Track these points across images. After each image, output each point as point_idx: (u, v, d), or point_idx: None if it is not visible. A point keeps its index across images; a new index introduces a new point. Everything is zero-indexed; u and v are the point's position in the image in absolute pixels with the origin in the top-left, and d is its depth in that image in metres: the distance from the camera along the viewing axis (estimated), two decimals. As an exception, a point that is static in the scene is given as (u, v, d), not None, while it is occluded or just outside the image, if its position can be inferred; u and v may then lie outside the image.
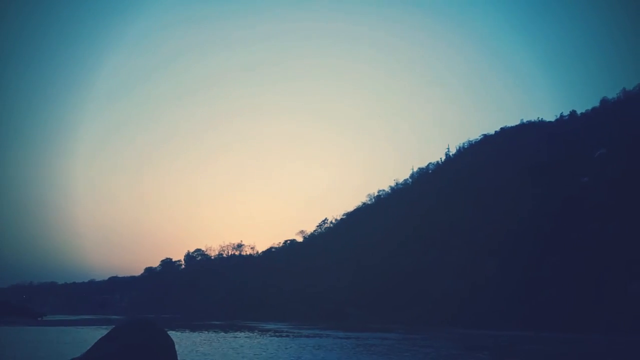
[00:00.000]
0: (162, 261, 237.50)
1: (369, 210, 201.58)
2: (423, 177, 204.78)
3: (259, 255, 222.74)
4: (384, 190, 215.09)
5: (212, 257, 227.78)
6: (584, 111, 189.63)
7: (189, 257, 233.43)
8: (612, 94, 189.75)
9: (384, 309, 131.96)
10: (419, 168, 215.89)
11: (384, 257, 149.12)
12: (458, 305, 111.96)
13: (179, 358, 19.94)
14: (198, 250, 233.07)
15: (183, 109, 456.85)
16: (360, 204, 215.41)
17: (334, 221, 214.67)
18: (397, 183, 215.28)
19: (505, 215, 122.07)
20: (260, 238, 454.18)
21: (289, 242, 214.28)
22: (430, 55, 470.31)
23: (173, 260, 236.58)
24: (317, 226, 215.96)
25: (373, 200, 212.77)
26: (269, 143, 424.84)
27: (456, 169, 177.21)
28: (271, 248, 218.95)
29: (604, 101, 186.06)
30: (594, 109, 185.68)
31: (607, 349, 37.49)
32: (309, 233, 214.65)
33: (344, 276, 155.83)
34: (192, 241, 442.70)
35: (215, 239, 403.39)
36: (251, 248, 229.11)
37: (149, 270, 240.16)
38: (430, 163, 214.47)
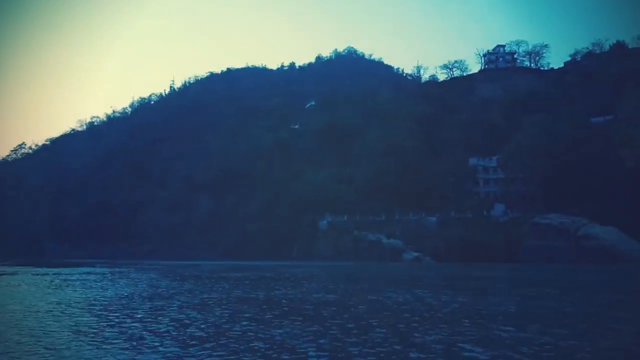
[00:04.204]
0: None
1: (79, 137, 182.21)
2: (144, 108, 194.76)
3: None
4: (98, 117, 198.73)
5: None
6: (302, 64, 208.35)
7: None
8: (326, 53, 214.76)
9: (86, 244, 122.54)
10: (140, 98, 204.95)
11: (92, 189, 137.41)
12: (168, 238, 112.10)
13: None
14: None
15: None
16: (68, 129, 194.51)
17: (34, 147, 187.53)
18: (114, 111, 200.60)
19: (221, 153, 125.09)
20: None
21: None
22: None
23: None
24: (12, 151, 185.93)
25: (85, 127, 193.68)
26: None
27: (180, 103, 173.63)
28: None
29: (318, 58, 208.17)
30: (310, 64, 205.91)
31: (302, 271, 42.11)
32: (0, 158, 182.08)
33: (42, 209, 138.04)
34: None
35: None
36: None
37: None
38: (152, 94, 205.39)
